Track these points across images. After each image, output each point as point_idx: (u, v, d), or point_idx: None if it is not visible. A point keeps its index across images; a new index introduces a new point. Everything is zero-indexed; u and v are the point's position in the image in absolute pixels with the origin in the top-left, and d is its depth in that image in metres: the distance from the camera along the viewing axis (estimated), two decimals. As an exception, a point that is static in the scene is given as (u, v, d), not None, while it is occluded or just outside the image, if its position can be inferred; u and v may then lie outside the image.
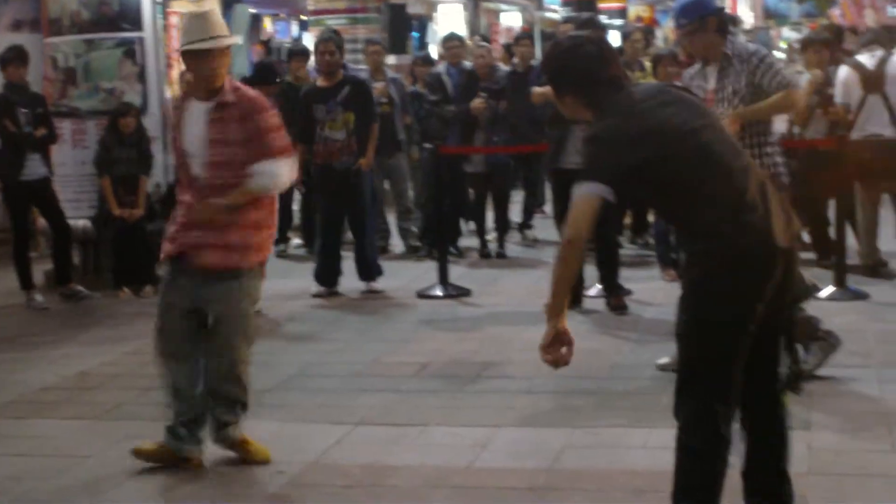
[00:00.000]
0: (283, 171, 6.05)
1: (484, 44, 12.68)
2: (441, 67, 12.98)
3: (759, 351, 4.58)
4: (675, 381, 4.56)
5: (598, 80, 4.63)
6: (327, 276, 10.54)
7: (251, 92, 6.15)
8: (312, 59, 11.89)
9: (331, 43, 10.46)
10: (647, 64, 11.69)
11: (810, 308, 7.48)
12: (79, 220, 11.28)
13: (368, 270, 10.66)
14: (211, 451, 6.36)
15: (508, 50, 15.83)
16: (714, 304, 4.44)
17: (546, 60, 5.04)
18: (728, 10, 8.78)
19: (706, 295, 4.46)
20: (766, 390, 4.68)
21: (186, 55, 6.05)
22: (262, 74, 11.33)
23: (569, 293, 4.63)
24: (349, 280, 10.61)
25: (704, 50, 7.07)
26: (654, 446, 5.94)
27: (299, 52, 13.20)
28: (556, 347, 4.51)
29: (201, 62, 5.98)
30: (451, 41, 13.28)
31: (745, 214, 4.39)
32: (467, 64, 12.62)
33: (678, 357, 4.61)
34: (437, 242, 10.96)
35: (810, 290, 4.60)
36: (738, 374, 4.49)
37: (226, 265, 6.01)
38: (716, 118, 4.70)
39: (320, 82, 10.64)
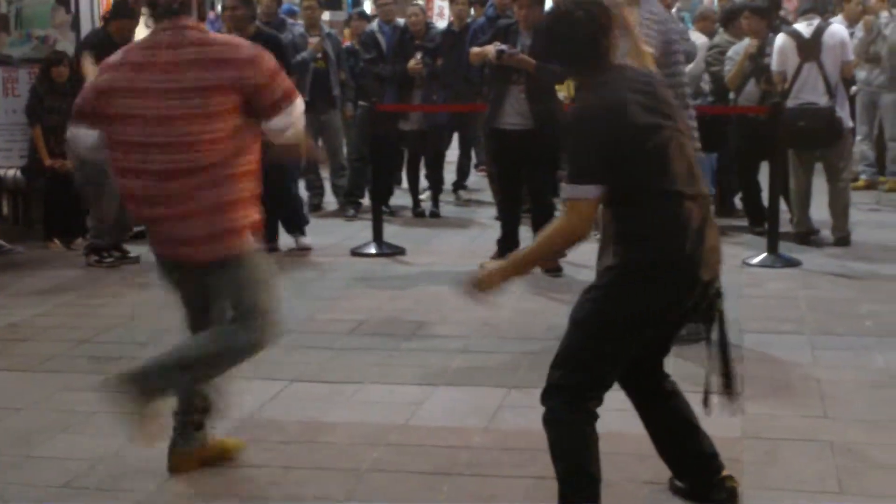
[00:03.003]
0: None
1: (418, 2, 12.56)
2: (374, 25, 12.88)
3: (653, 358, 4.73)
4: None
5: (583, 52, 4.49)
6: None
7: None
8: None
9: None
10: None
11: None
12: (9, 170, 11.11)
13: (293, 222, 10.57)
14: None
15: None
16: (620, 310, 4.42)
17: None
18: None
19: (616, 298, 4.44)
20: (656, 391, 4.78)
21: None
22: (119, 8, 10.42)
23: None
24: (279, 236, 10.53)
25: None
26: (590, 407, 5.94)
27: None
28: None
29: None
30: None
31: (681, 237, 4.37)
32: (400, 21, 12.53)
33: (566, 336, 4.53)
34: (371, 200, 10.87)
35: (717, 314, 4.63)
36: (615, 373, 4.55)
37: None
38: (683, 125, 4.58)
39: None
